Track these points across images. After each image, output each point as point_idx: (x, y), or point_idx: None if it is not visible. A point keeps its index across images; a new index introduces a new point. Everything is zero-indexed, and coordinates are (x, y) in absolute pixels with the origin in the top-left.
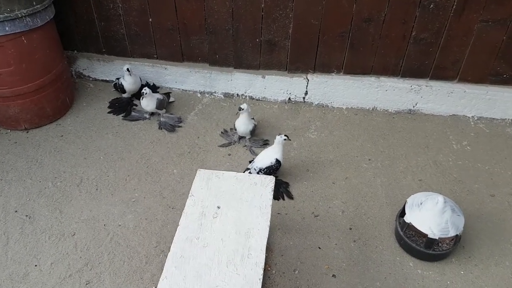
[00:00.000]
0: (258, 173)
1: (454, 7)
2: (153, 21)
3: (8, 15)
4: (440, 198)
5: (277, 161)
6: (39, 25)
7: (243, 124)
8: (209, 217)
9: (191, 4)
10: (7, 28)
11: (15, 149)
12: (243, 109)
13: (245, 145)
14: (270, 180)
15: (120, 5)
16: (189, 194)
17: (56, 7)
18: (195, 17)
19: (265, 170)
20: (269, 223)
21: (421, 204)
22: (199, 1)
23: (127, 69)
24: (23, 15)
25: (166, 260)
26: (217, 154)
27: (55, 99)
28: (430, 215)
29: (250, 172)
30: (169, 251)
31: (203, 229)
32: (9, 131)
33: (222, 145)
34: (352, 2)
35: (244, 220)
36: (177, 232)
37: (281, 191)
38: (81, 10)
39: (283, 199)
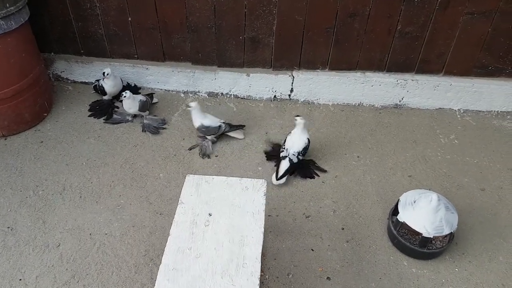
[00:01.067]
0: (298, 157)
1: (439, 0)
2: (133, 20)
3: None
4: (434, 196)
5: (308, 140)
6: (13, 28)
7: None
8: (200, 226)
9: (172, 2)
10: None
11: None
12: (192, 107)
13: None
14: (261, 184)
15: (98, 5)
16: (179, 202)
17: (30, 9)
18: (176, 15)
19: (303, 151)
20: (263, 230)
21: (414, 202)
22: None
23: (106, 74)
24: None
25: (158, 272)
26: None
27: (33, 104)
28: (424, 213)
29: (290, 159)
30: (158, 259)
31: (195, 239)
32: None
33: (191, 148)
34: None
35: (237, 227)
36: (168, 242)
37: (311, 169)
38: (56, 10)
39: (318, 176)
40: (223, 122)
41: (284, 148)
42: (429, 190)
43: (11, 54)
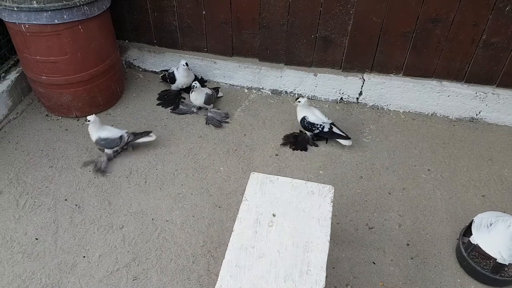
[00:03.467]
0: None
1: None
2: (207, 14)
3: (67, 3)
4: None
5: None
6: (95, 14)
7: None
8: (264, 225)
9: None
10: (65, 16)
11: (66, 136)
12: (90, 121)
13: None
14: (329, 190)
15: None
16: (243, 199)
17: None
18: (249, 11)
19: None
20: (329, 238)
21: (490, 225)
22: None
23: (186, 64)
24: (81, 3)
25: (221, 268)
26: (264, 153)
27: (106, 88)
28: (500, 238)
29: (322, 128)
30: (215, 252)
31: (258, 238)
32: (60, 118)
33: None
34: (420, 0)
35: (301, 232)
36: (231, 238)
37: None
38: (135, 0)
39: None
40: (126, 132)
41: (318, 125)
42: (504, 213)
43: (92, 39)
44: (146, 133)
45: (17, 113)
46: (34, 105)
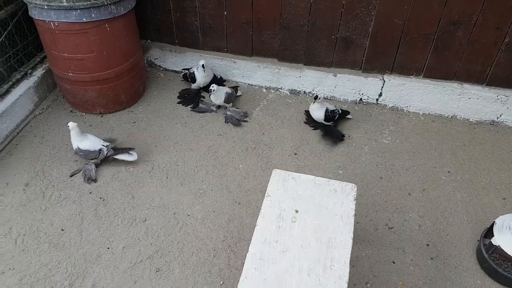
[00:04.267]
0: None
1: None
2: (228, 15)
3: (95, 2)
4: None
5: (326, 108)
6: (121, 14)
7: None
8: (287, 221)
9: None
10: (92, 15)
11: (90, 132)
12: (70, 127)
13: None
14: (351, 188)
15: None
16: (266, 194)
17: None
18: (270, 11)
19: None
20: (352, 235)
21: None
22: None
23: (202, 65)
24: (109, 2)
25: (245, 260)
26: (283, 152)
27: (130, 86)
28: None
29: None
30: (236, 247)
31: (281, 233)
32: (84, 114)
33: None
34: (442, 3)
35: (325, 228)
36: (255, 232)
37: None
38: (158, 0)
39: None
40: (106, 145)
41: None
42: None
43: (117, 38)
44: (127, 150)
45: (43, 108)
46: (59, 101)
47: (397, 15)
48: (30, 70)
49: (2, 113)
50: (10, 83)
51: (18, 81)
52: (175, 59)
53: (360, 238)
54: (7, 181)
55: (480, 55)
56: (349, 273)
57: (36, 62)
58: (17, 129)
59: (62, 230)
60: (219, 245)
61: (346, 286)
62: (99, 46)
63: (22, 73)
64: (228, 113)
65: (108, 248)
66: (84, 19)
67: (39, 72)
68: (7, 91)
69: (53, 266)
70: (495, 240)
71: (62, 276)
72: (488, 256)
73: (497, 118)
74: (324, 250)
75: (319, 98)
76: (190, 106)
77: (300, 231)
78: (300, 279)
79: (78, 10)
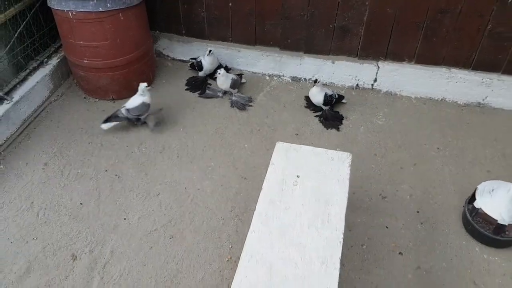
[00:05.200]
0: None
1: None
2: (233, 6)
3: None
4: None
5: (325, 93)
6: (134, 4)
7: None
8: (289, 184)
9: None
10: (108, 4)
11: (104, 116)
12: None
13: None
14: (347, 156)
15: None
16: (270, 163)
17: None
18: (273, 2)
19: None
20: (347, 195)
21: (492, 191)
22: None
23: (210, 51)
24: None
25: (253, 217)
26: (285, 133)
27: (141, 73)
28: (501, 201)
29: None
30: (243, 216)
31: (284, 194)
32: (97, 100)
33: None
34: None
35: (323, 190)
36: (260, 194)
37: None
38: None
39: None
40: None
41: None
42: None
43: (130, 27)
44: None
45: (58, 95)
46: (73, 89)
47: (389, 5)
48: (45, 59)
49: (20, 99)
50: (28, 71)
51: (35, 69)
52: (183, 49)
53: (356, 207)
54: (27, 162)
55: (465, 41)
56: (346, 237)
57: (51, 52)
58: (34, 114)
59: (81, 204)
60: (227, 215)
61: (342, 236)
62: (113, 34)
63: (38, 61)
64: (233, 98)
65: (125, 219)
66: (100, 8)
67: (54, 61)
68: (25, 79)
69: (73, 236)
70: (477, 203)
71: (83, 243)
72: (472, 219)
73: (483, 100)
74: (322, 207)
75: (319, 82)
76: (198, 92)
77: (301, 192)
78: (301, 231)
79: (95, 0)
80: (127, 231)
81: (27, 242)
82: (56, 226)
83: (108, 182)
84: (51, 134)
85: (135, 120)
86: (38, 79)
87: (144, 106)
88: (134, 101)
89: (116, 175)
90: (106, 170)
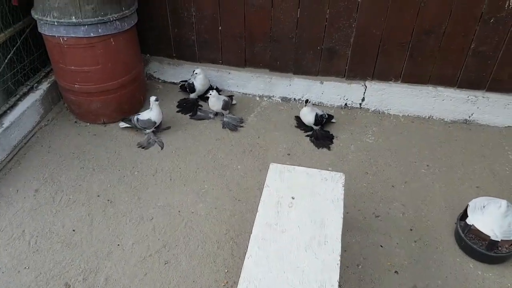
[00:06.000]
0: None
1: None
2: (223, 29)
3: (102, 18)
4: (503, 202)
5: (316, 113)
6: (125, 29)
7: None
8: (284, 206)
9: (259, 14)
10: (99, 30)
11: (95, 140)
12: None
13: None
14: (340, 177)
15: (194, 14)
16: (265, 185)
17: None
18: (261, 25)
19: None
20: (342, 216)
21: (483, 207)
22: (266, 11)
23: (194, 71)
24: (114, 19)
25: (249, 241)
26: (277, 153)
27: (132, 97)
28: (493, 218)
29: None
30: (238, 239)
31: (280, 217)
32: (88, 124)
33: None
34: (415, 14)
35: (318, 211)
36: (256, 217)
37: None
38: (157, 17)
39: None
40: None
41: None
42: None
43: (121, 51)
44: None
45: (48, 120)
46: (63, 113)
47: (375, 27)
48: (36, 84)
49: (11, 125)
50: (18, 96)
51: (25, 95)
52: (173, 72)
53: (350, 226)
54: (17, 188)
55: (450, 60)
56: (342, 257)
57: (41, 77)
58: (25, 139)
59: (73, 230)
60: (222, 238)
61: (339, 258)
62: (104, 59)
63: (29, 87)
64: (225, 119)
65: (118, 245)
66: (91, 34)
67: (44, 86)
68: (15, 104)
69: (66, 264)
70: (470, 220)
71: (76, 272)
72: (465, 236)
73: (469, 117)
74: (318, 229)
75: (309, 102)
76: (189, 114)
77: (296, 214)
78: (299, 254)
79: (86, 26)
80: (121, 258)
81: (19, 271)
82: (48, 254)
83: (100, 208)
84: (42, 160)
85: (143, 129)
86: (29, 105)
87: (150, 123)
88: (144, 115)
89: (108, 200)
90: (99, 195)
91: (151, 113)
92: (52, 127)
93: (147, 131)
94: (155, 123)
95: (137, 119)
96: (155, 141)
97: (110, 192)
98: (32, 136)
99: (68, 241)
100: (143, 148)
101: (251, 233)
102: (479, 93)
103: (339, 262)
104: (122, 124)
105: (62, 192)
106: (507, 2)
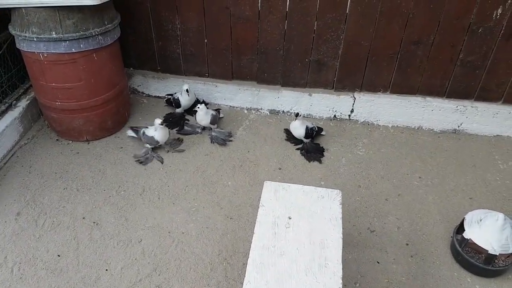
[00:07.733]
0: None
1: (502, 31)
2: (208, 42)
3: (84, 33)
4: (500, 216)
5: (306, 126)
6: (108, 44)
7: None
8: (281, 227)
9: (246, 26)
10: (81, 45)
11: (78, 159)
12: (187, 90)
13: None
14: (337, 194)
15: (179, 26)
16: (260, 205)
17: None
18: (248, 38)
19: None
20: (341, 235)
21: (480, 220)
22: (253, 23)
23: (186, 90)
24: (96, 33)
25: (247, 266)
26: (268, 168)
27: (116, 113)
28: (490, 231)
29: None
30: (231, 259)
31: (277, 238)
32: (71, 142)
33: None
34: (403, 25)
35: (316, 231)
36: (253, 239)
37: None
38: (141, 30)
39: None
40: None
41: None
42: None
43: (104, 67)
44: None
45: (28, 138)
46: (44, 131)
47: (364, 38)
48: (14, 101)
49: None
50: None
51: (3, 113)
52: (158, 85)
53: (346, 242)
54: None
55: (439, 70)
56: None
57: (20, 94)
58: (4, 160)
59: (59, 256)
60: (215, 259)
61: (341, 281)
62: (87, 75)
63: (7, 104)
64: (213, 134)
65: (107, 269)
66: (73, 49)
67: (23, 103)
68: None
69: None
70: (466, 234)
71: None
72: (462, 250)
73: (458, 126)
74: (318, 250)
75: (300, 115)
76: (176, 129)
77: (294, 235)
78: (299, 278)
79: (68, 41)
80: (110, 284)
81: None
82: (32, 281)
83: (86, 231)
84: (22, 181)
85: (144, 144)
86: (7, 123)
87: (153, 141)
88: (149, 131)
89: (94, 222)
90: (84, 218)
91: (156, 132)
92: (33, 146)
93: (148, 146)
94: (157, 142)
95: (143, 132)
96: (153, 157)
97: (96, 214)
98: (12, 156)
99: (54, 267)
100: (140, 163)
101: (248, 256)
102: (467, 103)
103: (341, 286)
104: (130, 133)
105: (45, 215)
106: (495, 12)
